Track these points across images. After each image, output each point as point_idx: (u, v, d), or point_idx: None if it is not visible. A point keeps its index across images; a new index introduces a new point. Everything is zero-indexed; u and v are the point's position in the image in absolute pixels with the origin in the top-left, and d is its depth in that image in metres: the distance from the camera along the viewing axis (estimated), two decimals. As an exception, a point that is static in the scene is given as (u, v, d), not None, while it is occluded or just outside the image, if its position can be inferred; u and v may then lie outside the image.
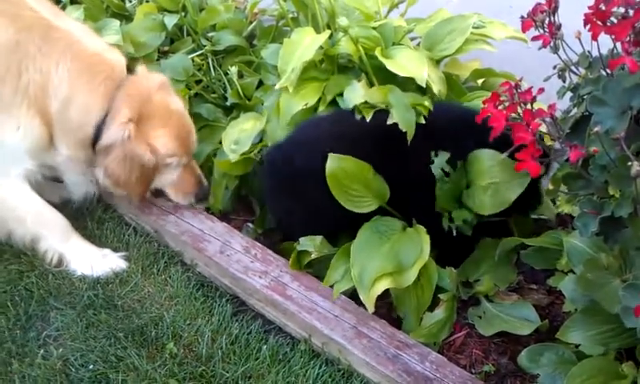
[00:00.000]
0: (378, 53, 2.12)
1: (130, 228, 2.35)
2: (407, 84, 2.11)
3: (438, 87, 2.10)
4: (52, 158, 2.15)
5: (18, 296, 2.09)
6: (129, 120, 2.04)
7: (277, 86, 2.20)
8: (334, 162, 1.93)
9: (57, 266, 2.19)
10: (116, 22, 2.61)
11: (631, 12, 1.17)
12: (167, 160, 2.17)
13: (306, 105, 2.17)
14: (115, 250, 2.25)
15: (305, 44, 2.20)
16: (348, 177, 1.93)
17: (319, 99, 2.19)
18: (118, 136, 2.04)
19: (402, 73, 2.06)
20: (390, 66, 2.08)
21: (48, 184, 2.28)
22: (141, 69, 2.18)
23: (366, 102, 2.02)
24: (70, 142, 2.10)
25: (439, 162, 1.90)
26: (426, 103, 2.02)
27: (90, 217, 2.38)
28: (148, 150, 2.09)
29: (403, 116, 1.95)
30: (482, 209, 1.89)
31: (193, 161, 2.30)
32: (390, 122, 1.95)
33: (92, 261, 2.18)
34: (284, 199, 2.12)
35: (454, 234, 1.93)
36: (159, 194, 2.33)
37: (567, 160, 1.25)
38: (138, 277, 2.15)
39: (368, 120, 1.99)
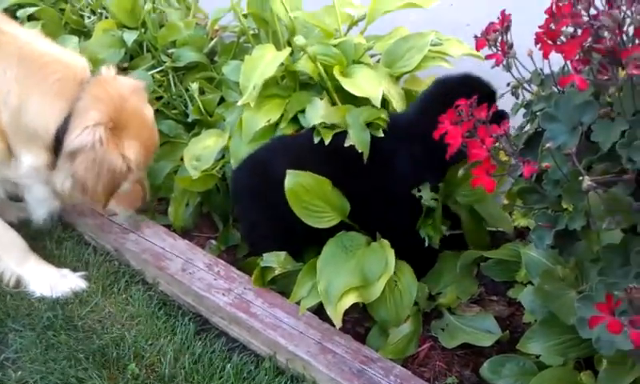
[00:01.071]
0: (336, 71, 2.14)
1: (90, 247, 2.31)
2: (368, 100, 2.13)
3: (397, 103, 2.13)
4: (14, 172, 2.02)
5: (-26, 319, 2.04)
6: (97, 123, 1.89)
7: (239, 103, 2.20)
8: (292, 178, 1.93)
9: (15, 287, 2.14)
10: (74, 39, 2.61)
11: (579, 31, 1.21)
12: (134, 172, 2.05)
13: (268, 121, 2.17)
14: (75, 269, 2.22)
15: (266, 61, 2.21)
16: (307, 192, 1.94)
17: (282, 116, 2.20)
18: (87, 140, 1.88)
19: (357, 92, 2.08)
20: (347, 85, 2.10)
21: (6, 204, 2.23)
22: (105, 70, 2.04)
23: (323, 123, 2.03)
24: (32, 149, 1.96)
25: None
26: (383, 116, 2.04)
27: (49, 236, 2.34)
28: (121, 158, 1.96)
29: (359, 136, 1.97)
30: None
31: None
32: (347, 143, 1.96)
33: (51, 281, 2.14)
34: (253, 212, 2.12)
35: (426, 244, 1.96)
36: None
37: (521, 175, 1.27)
38: (98, 297, 2.12)
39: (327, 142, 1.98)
